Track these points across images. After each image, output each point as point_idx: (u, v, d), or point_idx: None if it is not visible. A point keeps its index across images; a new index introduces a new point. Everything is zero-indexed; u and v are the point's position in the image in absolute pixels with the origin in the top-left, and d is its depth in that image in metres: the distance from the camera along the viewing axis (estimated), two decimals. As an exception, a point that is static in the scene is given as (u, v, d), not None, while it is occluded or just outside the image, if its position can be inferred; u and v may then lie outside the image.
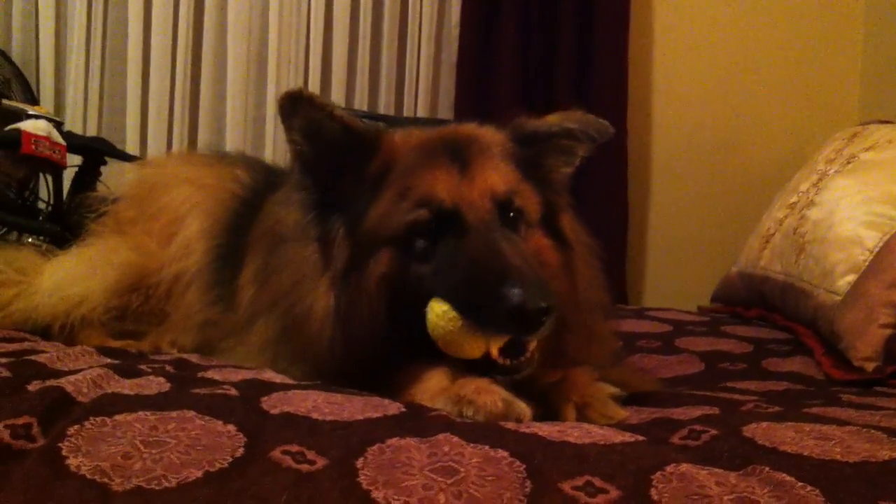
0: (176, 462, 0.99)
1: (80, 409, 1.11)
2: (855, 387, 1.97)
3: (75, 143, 3.40)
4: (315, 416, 1.13)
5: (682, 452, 1.11)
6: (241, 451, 1.02)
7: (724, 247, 3.86)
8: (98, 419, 1.06)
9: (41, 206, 3.57)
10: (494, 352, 1.33)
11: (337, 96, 4.17)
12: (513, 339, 1.33)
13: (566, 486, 0.99)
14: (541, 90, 4.09)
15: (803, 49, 4.21)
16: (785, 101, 4.22)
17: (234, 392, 1.24)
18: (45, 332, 1.94)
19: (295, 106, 1.43)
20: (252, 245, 1.82)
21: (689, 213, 4.26)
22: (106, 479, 0.95)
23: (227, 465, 0.99)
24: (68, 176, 3.49)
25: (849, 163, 2.57)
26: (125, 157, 3.57)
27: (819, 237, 2.42)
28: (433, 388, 1.32)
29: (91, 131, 4.17)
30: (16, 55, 4.16)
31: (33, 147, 3.04)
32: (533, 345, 1.36)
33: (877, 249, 2.20)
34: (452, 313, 1.33)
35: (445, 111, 4.18)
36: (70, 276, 1.99)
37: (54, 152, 3.12)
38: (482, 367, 1.35)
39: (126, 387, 1.23)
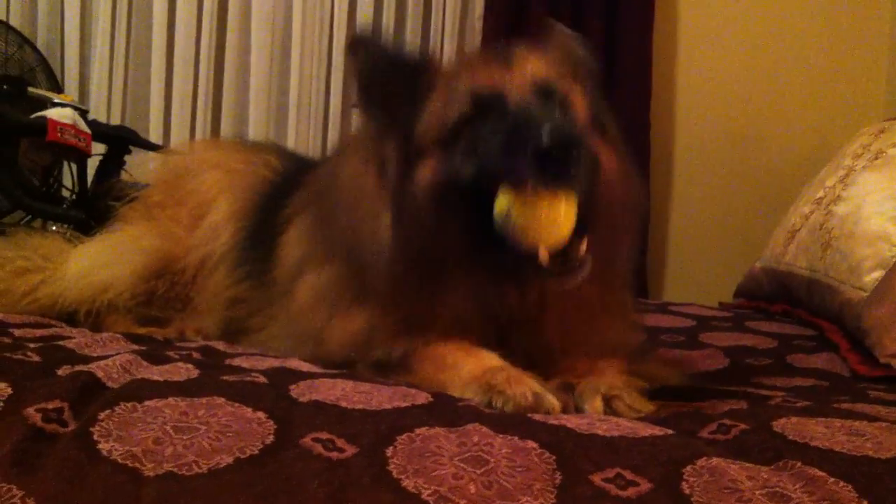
0: (207, 448, 0.99)
1: (111, 394, 1.11)
2: (882, 383, 1.94)
3: (100, 131, 3.43)
4: (344, 404, 1.13)
5: (712, 446, 1.10)
6: (271, 437, 1.02)
7: (745, 242, 3.84)
8: (129, 404, 1.07)
9: (65, 193, 3.60)
10: (545, 254, 1.32)
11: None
12: (564, 248, 1.33)
13: (596, 478, 0.98)
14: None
15: (829, 43, 4.18)
16: (809, 95, 4.18)
17: (262, 379, 1.24)
18: (70, 318, 1.95)
19: (357, 46, 1.54)
20: (295, 215, 1.81)
21: (712, 208, 4.24)
22: (137, 465, 0.96)
23: (257, 451, 0.99)
24: (92, 164, 3.51)
25: (877, 158, 2.54)
26: (149, 146, 3.59)
27: (846, 232, 2.39)
28: (465, 376, 1.31)
29: (115, 120, 4.19)
30: (41, 44, 4.19)
31: (59, 135, 3.06)
32: (583, 249, 1.35)
33: (905, 245, 2.18)
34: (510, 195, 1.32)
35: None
36: (96, 262, 2.00)
37: (79, 140, 3.14)
38: (533, 273, 1.35)
39: (155, 373, 1.24)
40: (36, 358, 1.28)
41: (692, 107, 4.25)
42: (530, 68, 1.46)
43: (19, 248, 2.05)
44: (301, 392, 1.18)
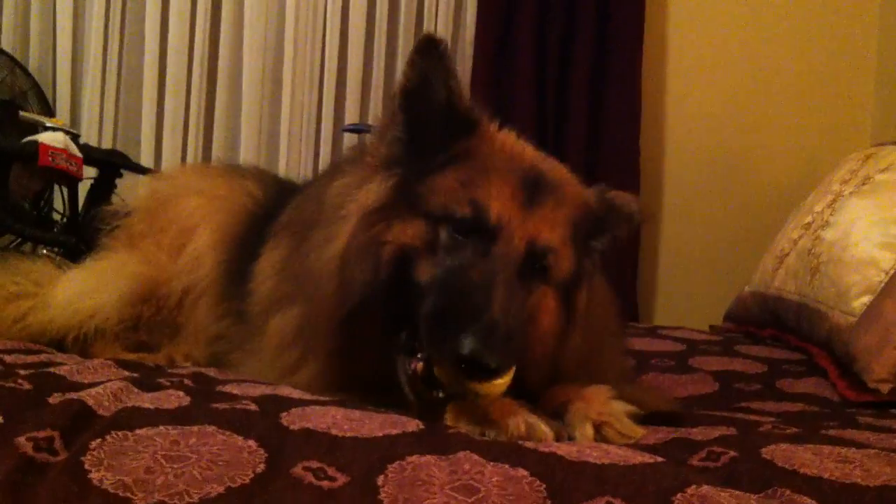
0: (198, 477, 0.99)
1: (102, 422, 1.11)
2: (870, 409, 1.96)
3: (92, 155, 3.43)
4: (335, 432, 1.13)
5: (702, 474, 1.10)
6: (262, 466, 1.02)
7: (735, 266, 3.86)
8: (120, 433, 1.07)
9: (56, 217, 3.60)
10: (419, 367, 1.34)
11: (351, 111, 4.20)
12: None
13: (587, 507, 0.99)
14: (553, 110, 4.09)
15: (817, 69, 4.22)
16: (797, 121, 4.22)
17: (253, 407, 1.24)
18: (59, 345, 1.95)
19: (427, 48, 1.46)
20: (273, 235, 1.81)
21: (701, 232, 4.26)
22: (129, 494, 0.96)
23: (248, 480, 1.00)
24: (83, 188, 3.51)
25: (864, 184, 2.57)
26: (141, 169, 3.59)
27: (834, 258, 2.41)
28: (456, 406, 1.31)
29: (106, 143, 4.20)
30: (32, 67, 4.20)
31: (50, 159, 3.07)
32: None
33: (893, 271, 2.20)
34: None
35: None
36: (82, 289, 2.00)
37: (71, 164, 3.14)
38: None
39: (146, 400, 1.23)
40: (27, 385, 1.28)
41: (681, 132, 4.28)
42: (535, 227, 1.44)
43: (11, 273, 2.04)
44: (292, 420, 1.18)
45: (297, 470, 1.02)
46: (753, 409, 1.86)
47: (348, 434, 1.13)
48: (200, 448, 1.05)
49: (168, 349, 1.98)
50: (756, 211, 4.10)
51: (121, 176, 3.54)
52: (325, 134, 4.24)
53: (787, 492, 1.03)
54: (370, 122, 4.16)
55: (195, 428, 1.10)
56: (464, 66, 4.17)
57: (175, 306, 2.00)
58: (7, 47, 4.14)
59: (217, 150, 4.25)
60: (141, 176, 3.46)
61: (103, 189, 3.50)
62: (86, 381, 1.38)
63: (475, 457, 1.07)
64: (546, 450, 1.14)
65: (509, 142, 1.53)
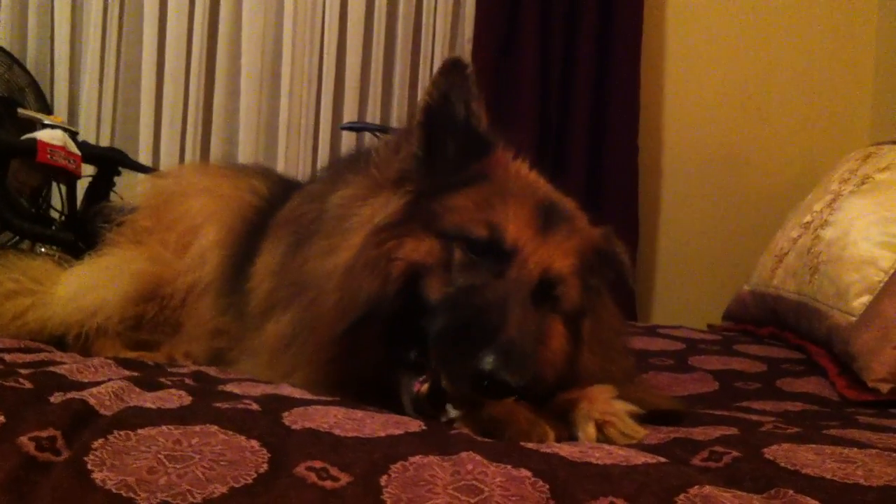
0: (201, 477, 0.99)
1: (104, 421, 1.11)
2: (870, 408, 1.96)
3: (90, 153, 3.42)
4: (337, 432, 1.13)
5: (705, 474, 1.10)
6: (265, 466, 1.02)
7: (733, 265, 3.87)
8: (122, 433, 1.06)
9: (54, 215, 3.59)
10: (424, 388, 1.33)
11: (350, 109, 4.20)
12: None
13: (590, 508, 0.99)
14: (554, 109, 4.08)
15: (815, 68, 4.23)
16: (796, 120, 4.23)
17: (255, 406, 1.23)
18: (59, 342, 1.94)
19: (452, 69, 1.47)
20: (273, 232, 1.81)
21: (700, 230, 4.26)
22: (132, 494, 0.95)
23: (251, 480, 0.99)
24: (82, 185, 3.51)
25: (863, 183, 2.57)
26: (139, 167, 3.59)
27: (834, 257, 2.42)
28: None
29: (104, 141, 4.19)
30: (30, 64, 4.19)
31: (49, 156, 3.06)
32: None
33: (892, 270, 2.20)
34: None
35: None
36: (85, 286, 1.99)
37: (69, 162, 3.14)
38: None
39: (148, 400, 1.23)
40: (28, 385, 1.28)
41: (680, 131, 4.29)
42: (550, 256, 1.44)
43: (9, 271, 2.04)
44: (294, 419, 1.17)
45: (300, 470, 1.01)
46: (754, 409, 1.86)
47: (350, 434, 1.13)
48: (203, 448, 1.04)
49: (168, 347, 1.98)
50: (754, 209, 4.10)
51: (119, 174, 3.54)
52: (323, 130, 4.24)
53: (790, 492, 1.03)
54: (369, 119, 4.16)
55: (197, 428, 1.09)
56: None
57: (178, 305, 2.00)
58: (4, 43, 4.13)
59: (215, 147, 4.25)
60: (139, 174, 3.45)
61: (102, 187, 3.49)
62: (86, 381, 1.38)
63: (478, 457, 1.07)
64: (549, 450, 1.14)
65: (523, 169, 1.54)
